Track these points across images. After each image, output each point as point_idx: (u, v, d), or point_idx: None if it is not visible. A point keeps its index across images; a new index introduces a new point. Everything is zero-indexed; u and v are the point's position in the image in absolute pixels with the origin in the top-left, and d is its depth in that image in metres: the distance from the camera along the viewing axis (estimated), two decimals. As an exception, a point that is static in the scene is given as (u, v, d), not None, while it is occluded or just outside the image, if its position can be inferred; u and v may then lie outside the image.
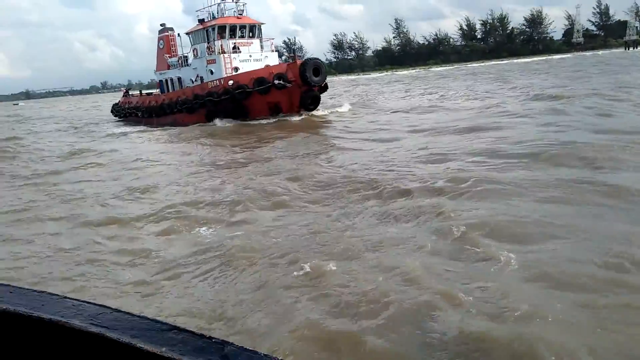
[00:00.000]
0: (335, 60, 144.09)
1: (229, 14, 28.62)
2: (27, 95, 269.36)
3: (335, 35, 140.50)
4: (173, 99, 29.02)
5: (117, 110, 38.21)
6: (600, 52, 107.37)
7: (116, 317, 0.86)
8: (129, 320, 0.85)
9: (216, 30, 27.60)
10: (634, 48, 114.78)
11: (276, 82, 23.67)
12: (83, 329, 0.82)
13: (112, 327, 0.82)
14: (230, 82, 25.08)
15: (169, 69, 32.28)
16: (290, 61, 24.82)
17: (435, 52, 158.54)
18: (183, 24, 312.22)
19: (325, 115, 25.49)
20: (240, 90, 24.31)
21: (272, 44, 29.53)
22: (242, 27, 28.25)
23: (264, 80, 23.90)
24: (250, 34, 28.66)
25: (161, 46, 32.85)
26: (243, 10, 28.35)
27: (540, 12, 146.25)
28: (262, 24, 28.95)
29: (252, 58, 28.29)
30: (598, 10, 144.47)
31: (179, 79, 30.90)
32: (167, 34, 32.31)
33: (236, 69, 27.48)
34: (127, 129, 29.30)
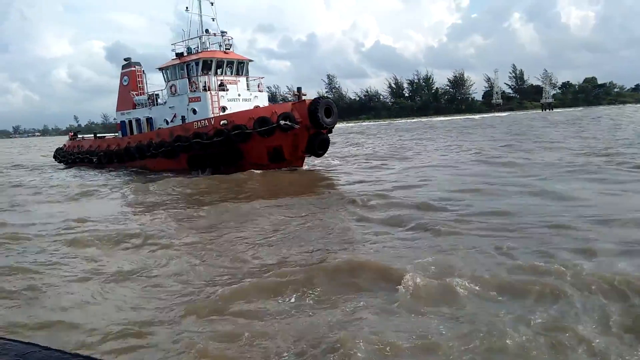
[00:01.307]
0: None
1: (214, 48, 25.51)
2: None
3: (268, 87, 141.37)
4: (143, 141, 24.79)
5: (62, 155, 32.65)
6: (520, 112, 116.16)
7: (45, 356, 0.82)
8: (58, 359, 0.81)
9: (200, 65, 24.26)
10: (549, 109, 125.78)
11: (282, 122, 20.62)
12: None
13: None
14: (223, 121, 21.64)
15: (134, 108, 28.02)
16: (295, 100, 21.96)
17: (367, 108, 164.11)
18: (106, 70, 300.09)
19: (324, 168, 22.60)
20: (237, 132, 20.91)
21: (260, 83, 26.59)
22: (230, 63, 25.19)
23: (266, 121, 20.77)
24: (238, 72, 25.63)
25: (125, 83, 28.64)
26: (231, 45, 25.36)
27: (462, 75, 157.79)
28: (251, 61, 26.09)
29: (240, 97, 25.14)
30: (514, 74, 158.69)
31: (149, 119, 26.75)
32: (132, 69, 28.28)
33: (224, 108, 24.12)
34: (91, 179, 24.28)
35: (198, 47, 25.78)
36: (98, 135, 33.05)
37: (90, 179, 23.08)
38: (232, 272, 7.20)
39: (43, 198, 17.22)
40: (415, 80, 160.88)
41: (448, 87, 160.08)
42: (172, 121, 25.24)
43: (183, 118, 23.78)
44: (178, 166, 23.53)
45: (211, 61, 24.38)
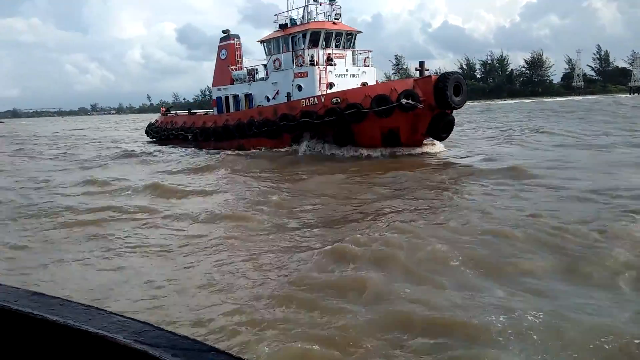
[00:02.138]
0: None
1: (320, 18, 23.43)
2: (14, 114, 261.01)
3: None
4: (243, 119, 23.40)
5: (154, 130, 32.27)
6: (612, 97, 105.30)
7: (158, 335, 0.88)
8: (170, 339, 0.87)
9: (308, 37, 22.35)
10: (638, 93, 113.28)
11: (403, 101, 18.29)
12: (127, 344, 0.84)
13: (154, 344, 0.84)
14: (335, 99, 19.64)
15: (232, 83, 26.73)
16: (418, 76, 19.48)
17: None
18: (176, 52, 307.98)
19: (436, 152, 19.99)
20: (351, 111, 18.84)
21: (367, 57, 24.23)
22: (339, 34, 23.07)
23: (385, 99, 18.55)
24: (345, 45, 23.44)
25: (223, 56, 27.38)
26: (340, 15, 23.13)
27: (541, 55, 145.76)
28: (359, 32, 23.77)
29: (348, 73, 23.02)
30: (598, 56, 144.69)
31: (248, 95, 25.36)
32: (231, 41, 26.92)
33: (331, 85, 22.13)
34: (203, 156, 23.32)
35: (303, 17, 23.83)
36: (192, 111, 32.26)
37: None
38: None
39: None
40: (489, 62, 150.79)
41: (524, 69, 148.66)
42: (273, 98, 23.66)
43: (288, 95, 22.06)
44: (279, 145, 22.00)
45: (319, 33, 22.36)
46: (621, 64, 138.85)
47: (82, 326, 0.87)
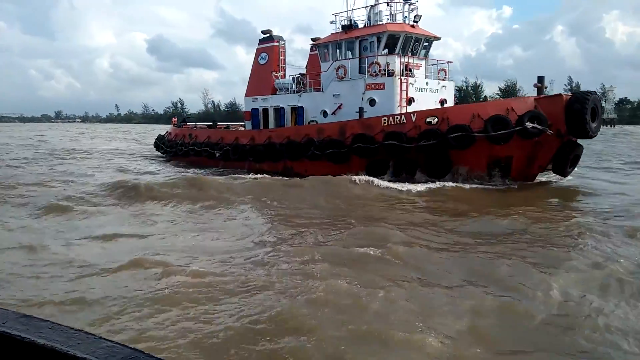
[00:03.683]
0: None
1: (388, 20, 19.45)
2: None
3: None
4: (295, 137, 19.11)
5: (167, 144, 27.39)
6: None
7: None
8: None
9: (383, 42, 18.27)
10: (611, 126, 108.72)
11: (529, 125, 14.41)
12: None
13: None
14: (431, 118, 15.60)
15: (274, 93, 22.37)
16: (542, 94, 15.61)
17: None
18: (147, 62, 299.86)
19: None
20: (457, 134, 14.81)
21: (444, 69, 20.25)
22: (417, 40, 19.08)
23: (502, 122, 14.59)
24: (421, 52, 19.51)
25: (262, 61, 22.97)
26: (420, 17, 19.17)
27: (515, 84, 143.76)
28: (438, 38, 19.85)
29: (428, 87, 19.03)
30: (569, 87, 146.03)
31: (297, 109, 21.01)
32: (274, 44, 22.59)
33: (410, 100, 18.08)
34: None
35: (369, 19, 19.80)
36: (218, 124, 27.59)
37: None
38: None
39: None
40: (464, 88, 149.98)
41: (499, 96, 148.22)
42: (333, 114, 19.43)
43: (360, 111, 17.86)
44: (345, 173, 17.74)
45: (398, 37, 18.34)
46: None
47: (70, 351, 0.87)
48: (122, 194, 14.01)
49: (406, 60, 18.46)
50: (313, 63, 23.77)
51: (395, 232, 9.46)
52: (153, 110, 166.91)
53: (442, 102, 19.52)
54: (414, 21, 18.92)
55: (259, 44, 23.06)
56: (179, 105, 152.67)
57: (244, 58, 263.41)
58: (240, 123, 28.89)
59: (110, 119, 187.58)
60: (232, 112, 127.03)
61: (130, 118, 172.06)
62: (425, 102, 18.59)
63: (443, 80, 20.07)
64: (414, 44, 18.96)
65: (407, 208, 12.59)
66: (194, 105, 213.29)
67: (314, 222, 10.83)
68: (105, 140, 48.58)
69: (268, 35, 22.77)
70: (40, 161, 25.21)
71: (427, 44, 19.52)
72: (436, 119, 15.65)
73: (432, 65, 20.47)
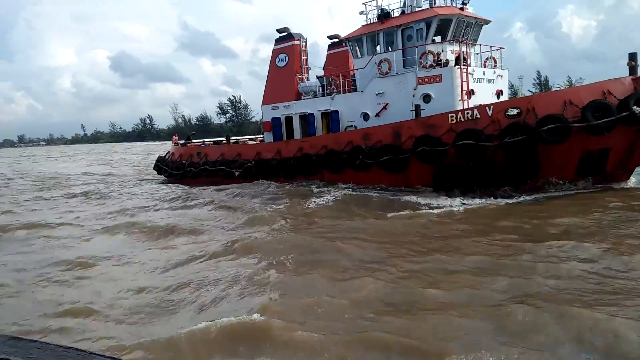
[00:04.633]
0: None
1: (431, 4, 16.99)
2: None
3: None
4: (335, 146, 16.46)
5: (171, 166, 24.24)
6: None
7: None
8: None
9: (433, 28, 15.75)
10: None
11: (636, 109, 12.00)
12: None
13: None
14: (512, 110, 13.09)
15: (298, 98, 19.58)
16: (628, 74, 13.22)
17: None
18: (110, 80, 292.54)
19: None
20: (552, 126, 12.28)
21: (488, 58, 17.65)
22: (468, 25, 16.61)
23: (605, 107, 12.17)
24: (474, 39, 17.07)
25: (281, 64, 20.15)
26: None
27: None
28: (487, 22, 17.43)
29: (485, 77, 16.55)
30: (538, 81, 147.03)
31: (329, 114, 18.26)
32: (295, 42, 19.80)
33: (470, 93, 15.53)
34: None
35: (405, 6, 17.30)
36: (232, 139, 24.59)
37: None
38: None
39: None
40: None
41: None
42: (377, 115, 16.73)
43: (417, 108, 15.21)
44: (402, 183, 15.08)
45: (450, 21, 15.85)
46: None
47: None
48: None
49: (460, 48, 15.94)
50: (334, 62, 21.28)
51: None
52: (120, 128, 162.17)
53: (499, 93, 17.07)
54: (463, 3, 16.45)
55: (275, 45, 20.25)
56: (147, 121, 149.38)
57: (210, 70, 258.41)
58: (253, 136, 26.00)
59: (76, 140, 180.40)
60: (204, 125, 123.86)
61: (97, 138, 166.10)
62: (484, 94, 16.12)
63: (495, 69, 17.60)
64: (465, 29, 16.50)
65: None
66: (163, 120, 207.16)
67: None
68: (86, 165, 44.01)
69: (286, 33, 19.99)
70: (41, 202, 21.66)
71: (478, 28, 17.09)
72: (518, 110, 13.11)
73: (477, 53, 18.00)
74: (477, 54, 17.94)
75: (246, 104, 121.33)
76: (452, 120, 13.94)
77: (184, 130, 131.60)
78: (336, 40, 22.11)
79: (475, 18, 16.62)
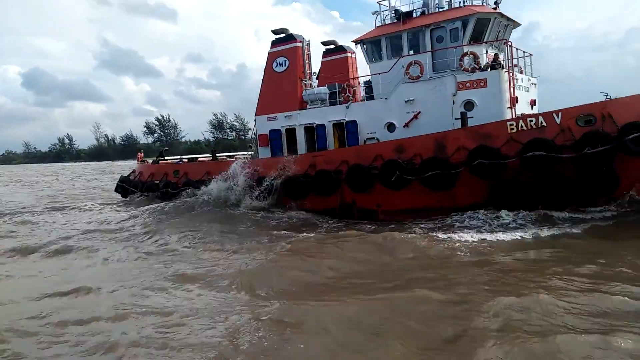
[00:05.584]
0: (214, 139, 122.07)
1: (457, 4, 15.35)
2: None
3: (215, 114, 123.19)
4: (355, 159, 14.10)
5: (142, 187, 20.50)
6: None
7: None
8: None
9: (470, 28, 13.96)
10: None
11: None
12: None
13: None
14: (584, 116, 11.45)
15: (302, 108, 16.97)
16: None
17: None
18: (22, 97, 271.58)
19: None
20: (636, 135, 10.71)
21: (518, 64, 16.15)
22: (502, 26, 15.03)
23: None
24: (504, 41, 15.51)
25: (280, 68, 17.40)
26: (501, -1, 15.13)
27: None
28: (518, 24, 15.97)
29: (522, 85, 14.94)
30: None
31: (344, 125, 15.82)
32: (296, 44, 17.20)
33: (515, 100, 13.80)
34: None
35: (426, 6, 15.47)
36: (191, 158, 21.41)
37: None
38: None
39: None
40: None
41: None
42: (406, 125, 14.54)
43: (463, 116, 13.17)
44: (448, 203, 12.89)
45: (487, 21, 14.15)
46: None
47: None
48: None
49: (507, 49, 14.30)
50: (330, 70, 19.18)
51: None
52: (35, 147, 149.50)
53: (532, 103, 15.55)
54: (496, 3, 14.84)
55: (271, 47, 17.55)
56: (66, 141, 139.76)
57: (133, 89, 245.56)
58: (239, 153, 22.87)
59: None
60: (129, 145, 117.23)
61: (10, 159, 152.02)
62: (521, 103, 14.47)
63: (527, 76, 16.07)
64: (499, 30, 14.89)
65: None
66: (84, 140, 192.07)
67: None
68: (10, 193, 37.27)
69: (285, 34, 17.38)
70: None
71: (508, 31, 15.58)
72: (593, 117, 11.44)
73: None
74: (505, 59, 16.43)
75: (175, 124, 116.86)
76: (512, 129, 12.03)
77: (107, 150, 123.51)
78: (332, 47, 19.96)
79: (510, 19, 15.09)
